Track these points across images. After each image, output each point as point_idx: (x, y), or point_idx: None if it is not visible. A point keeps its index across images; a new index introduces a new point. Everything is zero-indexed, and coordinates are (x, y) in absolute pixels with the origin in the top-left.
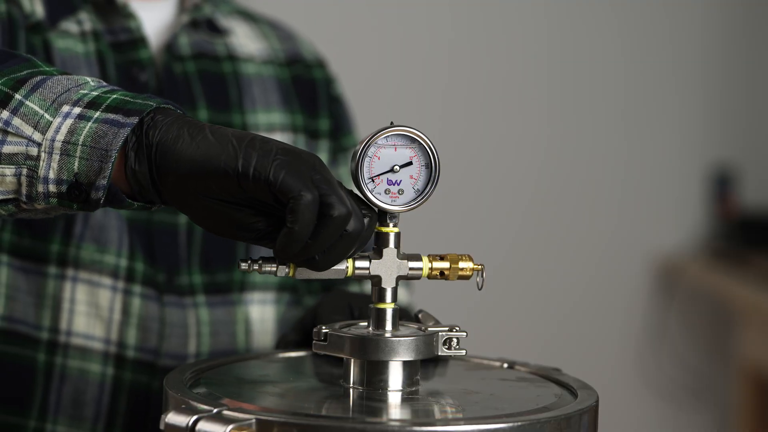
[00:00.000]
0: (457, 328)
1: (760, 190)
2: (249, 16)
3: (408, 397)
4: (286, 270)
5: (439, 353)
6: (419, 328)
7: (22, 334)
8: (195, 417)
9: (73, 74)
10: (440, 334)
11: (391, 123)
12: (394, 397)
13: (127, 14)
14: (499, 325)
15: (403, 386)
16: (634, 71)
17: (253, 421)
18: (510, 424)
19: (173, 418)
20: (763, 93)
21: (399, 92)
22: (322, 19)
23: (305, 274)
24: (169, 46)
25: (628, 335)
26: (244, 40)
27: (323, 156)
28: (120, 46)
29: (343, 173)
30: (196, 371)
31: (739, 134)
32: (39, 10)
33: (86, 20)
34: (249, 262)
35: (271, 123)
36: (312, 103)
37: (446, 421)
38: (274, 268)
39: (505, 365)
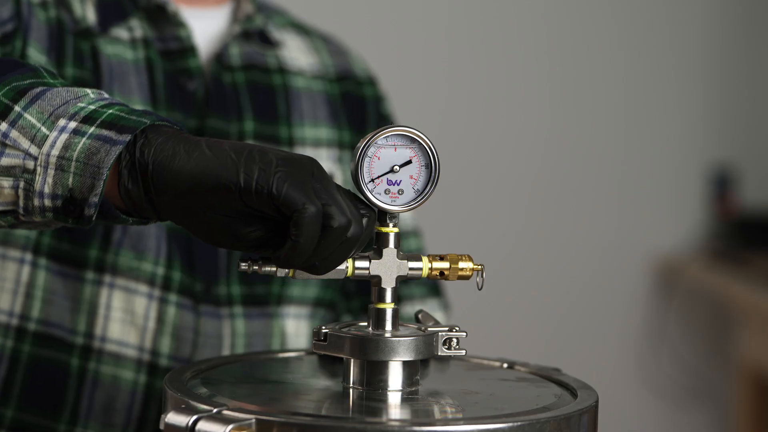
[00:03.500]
0: (457, 328)
1: (760, 190)
2: (302, 29)
3: (407, 397)
4: (286, 270)
5: (439, 353)
6: (419, 328)
7: (57, 338)
8: (195, 417)
9: (122, 80)
10: (440, 334)
11: (391, 123)
12: (393, 397)
13: (178, 23)
14: (498, 325)
15: (402, 386)
16: (634, 71)
17: (253, 421)
18: (510, 424)
19: (173, 418)
20: (762, 93)
21: (399, 92)
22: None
23: (305, 275)
24: (219, 56)
25: (627, 335)
26: (296, 53)
27: None
28: (169, 54)
29: None
30: (196, 371)
31: (739, 134)
32: (90, 16)
33: (137, 27)
34: (249, 262)
35: (318, 138)
36: (361, 120)
37: (446, 422)
38: (274, 269)
39: (505, 365)
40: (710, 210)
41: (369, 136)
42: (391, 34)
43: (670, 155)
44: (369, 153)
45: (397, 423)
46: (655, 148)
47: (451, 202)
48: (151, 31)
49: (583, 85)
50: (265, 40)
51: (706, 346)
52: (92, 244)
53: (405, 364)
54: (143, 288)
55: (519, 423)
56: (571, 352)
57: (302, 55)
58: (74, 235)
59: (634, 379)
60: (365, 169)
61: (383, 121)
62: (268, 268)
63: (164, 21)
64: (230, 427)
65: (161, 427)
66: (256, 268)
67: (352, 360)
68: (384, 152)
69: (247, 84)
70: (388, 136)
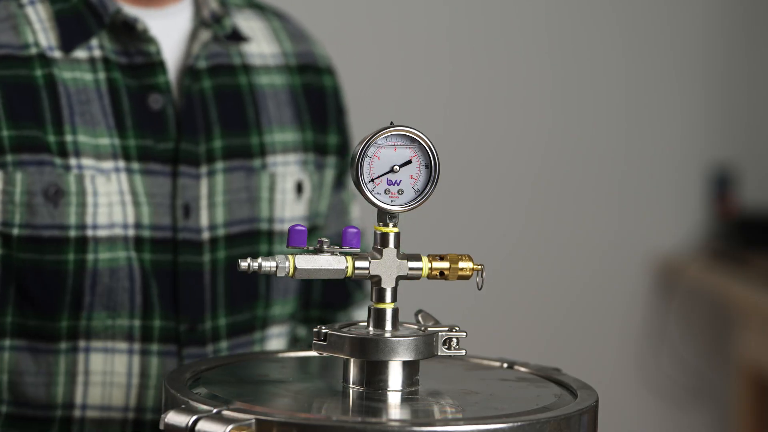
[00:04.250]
0: (457, 328)
1: (760, 190)
2: (257, 7)
3: (407, 398)
4: (286, 269)
5: (439, 353)
6: (419, 328)
7: (29, 417)
8: (195, 417)
9: (85, 110)
10: (440, 334)
11: (391, 123)
12: (393, 397)
13: (148, 39)
14: (498, 325)
15: (402, 386)
16: (634, 71)
17: (253, 421)
18: (510, 425)
19: (173, 417)
20: (763, 93)
21: (400, 92)
22: (320, 16)
23: (305, 274)
24: (188, 69)
25: (627, 335)
26: (257, 42)
27: (330, 173)
28: (134, 68)
29: (346, 197)
30: (196, 371)
31: (739, 134)
32: (43, 41)
33: (95, 45)
34: (249, 260)
35: (286, 142)
36: (321, 115)
37: (446, 422)
38: (274, 267)
39: (505, 365)
40: (710, 210)
41: (369, 135)
42: (392, 34)
43: (670, 155)
44: (369, 153)
45: (396, 423)
46: (655, 147)
47: (451, 202)
48: (112, 44)
49: (584, 85)
50: (234, 37)
51: (706, 346)
52: (61, 316)
53: (405, 364)
54: (122, 345)
55: (519, 423)
56: (571, 352)
57: (264, 43)
58: (41, 310)
59: (633, 378)
60: (365, 169)
61: (341, 114)
62: (268, 265)
63: (131, 37)
64: (230, 427)
65: (161, 426)
66: (255, 266)
67: (352, 360)
68: (384, 152)
69: (215, 91)
70: (388, 136)
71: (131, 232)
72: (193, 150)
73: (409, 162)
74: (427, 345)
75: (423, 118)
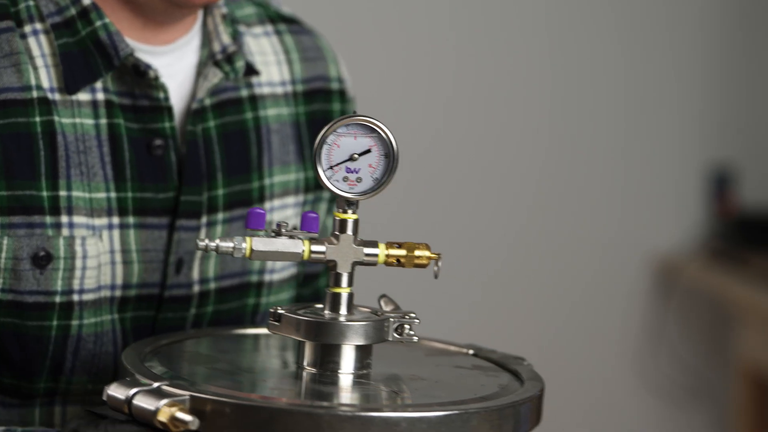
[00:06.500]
0: (412, 315)
1: (759, 190)
2: (270, 19)
3: (355, 381)
4: (243, 251)
5: (390, 338)
6: (375, 313)
7: None
8: (134, 390)
9: (82, 160)
10: (391, 319)
11: (354, 112)
12: (340, 380)
13: (158, 86)
14: (497, 322)
15: (354, 370)
16: (632, 70)
17: (187, 397)
18: (437, 413)
19: (114, 390)
20: (762, 92)
21: (401, 91)
22: (320, 13)
23: (261, 256)
24: (194, 112)
25: (626, 334)
26: (266, 68)
27: (324, 206)
28: (138, 110)
29: (329, 222)
30: (156, 347)
31: (738, 133)
32: (45, 82)
33: (99, 88)
34: (207, 241)
35: (286, 183)
36: None
37: (364, 408)
38: (231, 248)
39: (471, 352)
40: (709, 209)
41: (330, 124)
42: (393, 32)
43: (669, 154)
44: (329, 140)
45: (307, 403)
46: (654, 147)
47: (451, 201)
48: (116, 85)
49: (583, 84)
50: (245, 72)
51: (704, 345)
52: (39, 379)
53: (357, 347)
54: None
55: (446, 412)
56: (569, 351)
57: (274, 68)
58: (18, 371)
59: (632, 378)
60: (323, 156)
61: None
62: (224, 246)
63: (138, 81)
64: (164, 402)
65: (104, 398)
66: (213, 246)
67: (306, 342)
68: (344, 140)
69: (219, 131)
70: (348, 125)
71: (118, 293)
72: (194, 201)
73: (368, 151)
74: (377, 330)
75: (424, 118)
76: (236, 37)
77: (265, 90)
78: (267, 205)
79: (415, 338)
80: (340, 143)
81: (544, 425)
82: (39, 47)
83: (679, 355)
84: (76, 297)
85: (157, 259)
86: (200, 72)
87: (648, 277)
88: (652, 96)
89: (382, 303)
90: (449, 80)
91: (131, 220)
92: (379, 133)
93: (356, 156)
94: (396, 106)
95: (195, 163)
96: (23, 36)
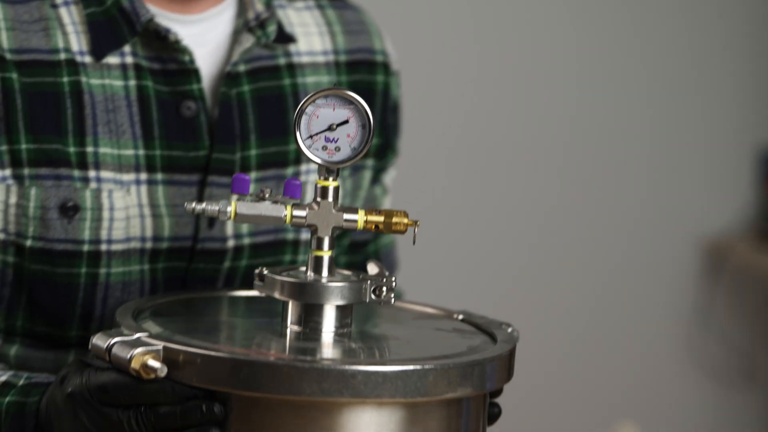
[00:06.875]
0: (391, 278)
1: None
2: None
3: (332, 339)
4: (228, 214)
5: (367, 300)
6: (356, 275)
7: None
8: (114, 340)
9: (110, 120)
10: (369, 282)
11: (335, 84)
12: (319, 337)
13: (181, 49)
14: (545, 307)
15: (334, 329)
16: (683, 51)
17: (160, 347)
18: (395, 368)
19: (98, 339)
20: None
21: (425, 86)
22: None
23: (245, 219)
24: (227, 75)
25: (675, 316)
26: (307, 39)
27: (367, 175)
28: (167, 74)
29: (379, 191)
30: (153, 305)
31: None
32: (74, 45)
33: (127, 51)
34: (194, 204)
35: None
36: None
37: (321, 360)
38: (216, 211)
39: (461, 317)
40: (759, 190)
41: (309, 96)
42: (415, 28)
43: (719, 135)
44: (308, 111)
45: (275, 355)
46: (704, 128)
47: (497, 182)
48: (145, 51)
49: (633, 62)
50: (280, 38)
51: (754, 326)
52: (71, 326)
53: (337, 308)
54: None
55: (403, 367)
56: (619, 333)
57: (316, 38)
58: (50, 319)
59: (683, 359)
60: (303, 126)
61: (389, 112)
62: (210, 208)
63: (163, 46)
64: (138, 350)
65: (89, 347)
66: (200, 208)
67: (290, 302)
68: (323, 111)
69: (254, 95)
70: (327, 96)
71: (149, 245)
72: (227, 159)
73: (346, 122)
74: (354, 291)
75: (449, 113)
76: (270, 4)
77: (304, 59)
78: (303, 167)
79: (392, 300)
80: (319, 114)
81: (595, 409)
82: (69, 15)
83: (729, 336)
84: (104, 246)
85: (187, 214)
86: (236, 40)
87: (697, 259)
88: (702, 77)
89: (369, 266)
90: (473, 68)
91: (159, 176)
92: (356, 105)
93: (334, 126)
94: (411, 103)
95: (228, 125)
96: (54, 5)
